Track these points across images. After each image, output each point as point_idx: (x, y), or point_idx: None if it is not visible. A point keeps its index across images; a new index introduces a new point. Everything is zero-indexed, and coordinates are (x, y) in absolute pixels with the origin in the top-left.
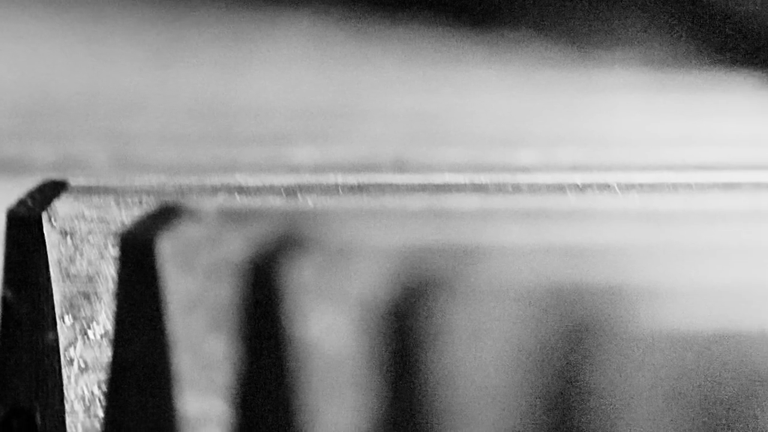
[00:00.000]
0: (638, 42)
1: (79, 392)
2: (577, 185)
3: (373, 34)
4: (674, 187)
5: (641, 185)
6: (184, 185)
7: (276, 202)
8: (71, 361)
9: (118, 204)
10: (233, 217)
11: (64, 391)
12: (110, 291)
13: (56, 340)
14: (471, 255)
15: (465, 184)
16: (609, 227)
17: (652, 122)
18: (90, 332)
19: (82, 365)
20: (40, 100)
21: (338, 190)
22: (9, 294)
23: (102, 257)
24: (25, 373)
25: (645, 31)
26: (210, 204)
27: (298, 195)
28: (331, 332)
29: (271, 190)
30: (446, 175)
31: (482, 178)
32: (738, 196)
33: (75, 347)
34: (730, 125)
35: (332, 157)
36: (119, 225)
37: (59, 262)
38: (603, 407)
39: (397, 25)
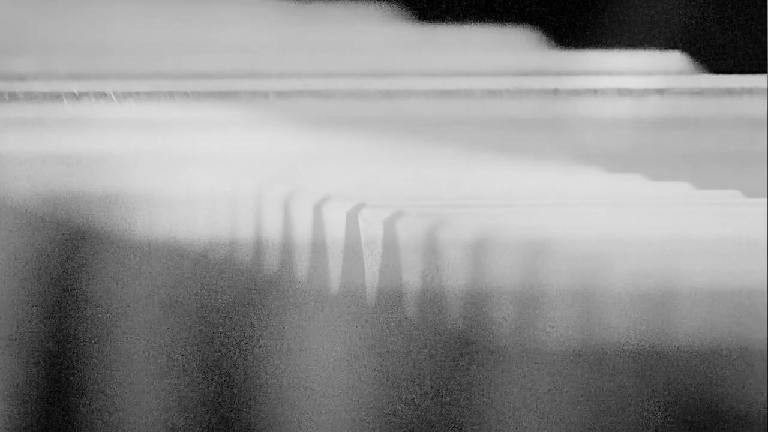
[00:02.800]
0: None
1: None
2: (74, 93)
3: None
4: (171, 95)
5: (138, 93)
6: None
7: None
8: None
9: None
10: None
11: None
12: None
13: None
14: None
15: None
16: (106, 135)
17: (149, 30)
18: None
19: None
20: None
21: None
22: None
23: None
24: None
25: None
26: None
27: None
28: None
29: None
30: None
31: None
32: (234, 104)
33: None
34: (227, 34)
35: None
36: None
37: None
38: (100, 315)
39: None
